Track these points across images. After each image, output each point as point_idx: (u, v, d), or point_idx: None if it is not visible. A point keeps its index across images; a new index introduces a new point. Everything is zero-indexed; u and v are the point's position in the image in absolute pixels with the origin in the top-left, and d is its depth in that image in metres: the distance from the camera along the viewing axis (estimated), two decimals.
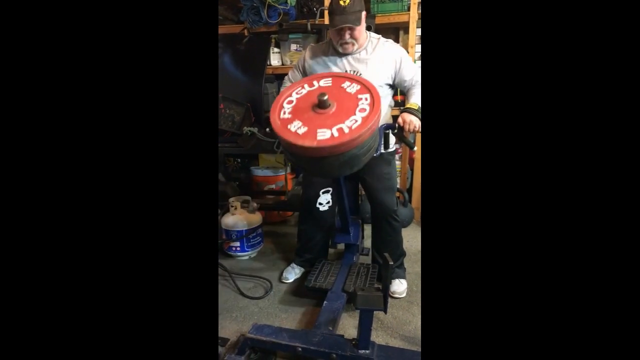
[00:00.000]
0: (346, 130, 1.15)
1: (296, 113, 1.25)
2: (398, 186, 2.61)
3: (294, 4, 2.70)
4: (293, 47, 2.85)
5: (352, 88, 1.28)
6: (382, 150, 1.77)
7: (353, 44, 1.60)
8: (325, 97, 1.20)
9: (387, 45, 1.68)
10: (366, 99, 1.23)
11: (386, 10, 2.60)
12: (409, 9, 2.55)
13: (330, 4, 1.55)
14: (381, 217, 1.86)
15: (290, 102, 1.30)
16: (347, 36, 1.57)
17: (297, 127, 1.20)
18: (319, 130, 1.17)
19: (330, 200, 1.95)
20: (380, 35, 1.71)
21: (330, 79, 1.34)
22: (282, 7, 2.67)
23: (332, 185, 1.88)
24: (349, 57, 1.67)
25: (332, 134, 1.15)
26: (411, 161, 2.84)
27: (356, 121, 1.17)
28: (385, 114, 1.78)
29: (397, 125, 1.53)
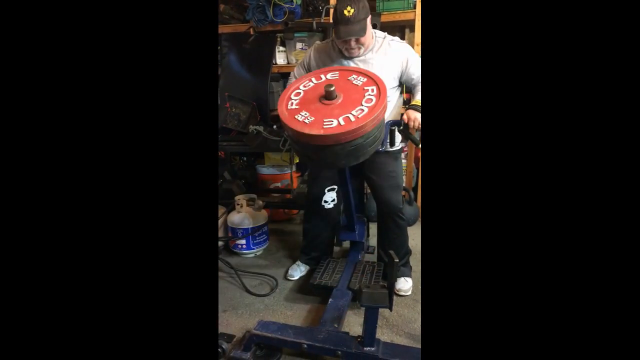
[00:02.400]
0: (352, 119, 1.19)
1: (304, 104, 1.28)
2: (404, 184, 2.61)
3: (299, 2, 2.70)
4: (299, 45, 2.86)
5: (358, 80, 1.32)
6: (389, 148, 1.77)
7: (359, 48, 1.61)
8: (332, 88, 1.23)
9: (393, 44, 1.68)
10: (372, 90, 1.26)
11: (392, 8, 2.59)
12: (414, 7, 2.54)
13: (335, 13, 1.53)
14: (387, 215, 1.86)
15: (297, 94, 1.33)
16: (353, 44, 1.58)
17: (305, 117, 1.23)
18: (325, 120, 1.20)
19: (336, 198, 1.95)
20: (385, 34, 1.71)
21: (337, 72, 1.38)
22: (287, 5, 2.67)
23: (337, 183, 1.88)
24: (355, 59, 1.66)
25: (338, 123, 1.18)
26: (417, 159, 2.84)
27: (362, 110, 1.21)
28: (392, 111, 1.78)
29: (402, 122, 1.56)
